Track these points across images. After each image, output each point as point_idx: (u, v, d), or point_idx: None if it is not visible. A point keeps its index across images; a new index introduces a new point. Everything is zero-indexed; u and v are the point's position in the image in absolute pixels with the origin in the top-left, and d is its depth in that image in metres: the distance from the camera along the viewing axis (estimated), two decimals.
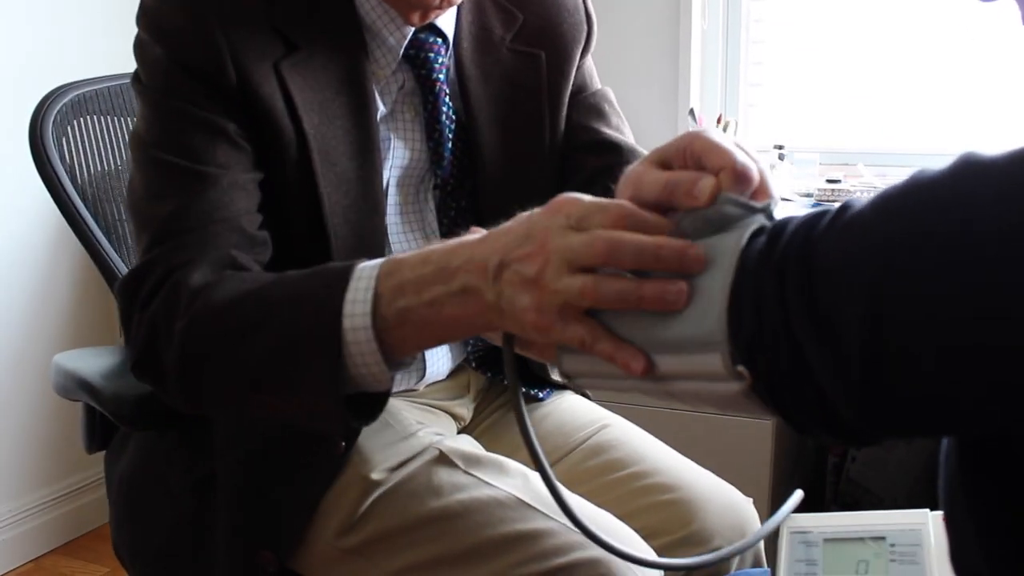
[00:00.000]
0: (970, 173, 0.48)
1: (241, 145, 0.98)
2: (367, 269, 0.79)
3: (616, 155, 1.16)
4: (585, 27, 1.21)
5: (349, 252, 0.99)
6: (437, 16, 1.07)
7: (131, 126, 1.43)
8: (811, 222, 0.55)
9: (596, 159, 1.17)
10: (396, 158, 1.09)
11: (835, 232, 0.53)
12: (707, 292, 0.60)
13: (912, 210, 0.50)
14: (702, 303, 0.60)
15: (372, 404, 0.84)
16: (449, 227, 1.12)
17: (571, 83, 1.18)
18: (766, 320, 0.55)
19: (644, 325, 0.64)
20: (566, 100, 1.17)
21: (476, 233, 0.75)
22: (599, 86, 1.24)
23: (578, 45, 1.19)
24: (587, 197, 0.69)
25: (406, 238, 1.10)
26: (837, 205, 0.55)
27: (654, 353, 0.63)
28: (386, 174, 1.07)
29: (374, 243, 1.04)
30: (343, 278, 0.78)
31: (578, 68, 1.20)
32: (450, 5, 1.04)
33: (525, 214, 0.72)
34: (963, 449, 0.55)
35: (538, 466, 0.70)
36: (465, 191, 1.13)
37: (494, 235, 0.72)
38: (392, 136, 1.09)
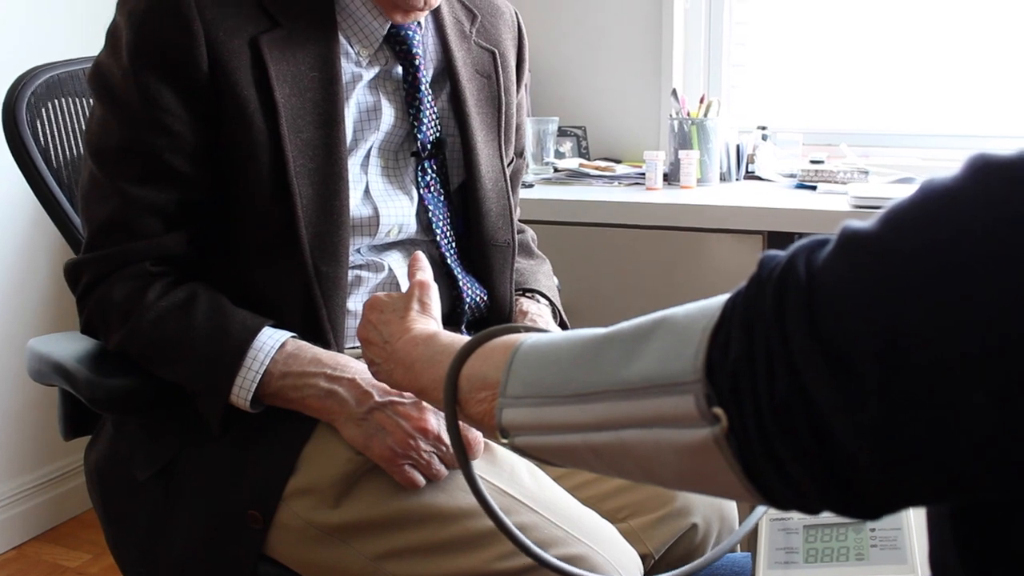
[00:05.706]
0: (991, 172, 0.45)
1: (189, 151, 1.07)
2: (260, 355, 1.04)
3: None
4: (517, 43, 1.35)
5: (313, 213, 1.09)
6: (417, 18, 1.18)
7: None
8: (811, 246, 0.51)
9: None
10: (384, 123, 1.18)
11: (839, 251, 0.49)
12: (685, 329, 0.55)
13: (932, 216, 0.46)
14: (677, 338, 0.55)
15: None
16: (423, 189, 1.22)
17: (515, 89, 1.34)
18: (759, 341, 0.50)
19: (605, 364, 0.60)
20: (513, 101, 1.33)
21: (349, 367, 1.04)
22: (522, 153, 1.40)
23: (514, 58, 1.34)
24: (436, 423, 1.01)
25: (389, 197, 1.18)
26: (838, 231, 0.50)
27: (613, 399, 0.59)
28: (372, 138, 1.16)
29: (336, 205, 1.11)
30: (238, 358, 1.04)
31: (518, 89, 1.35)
32: (430, 8, 1.16)
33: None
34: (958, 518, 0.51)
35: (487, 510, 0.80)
36: (438, 160, 1.23)
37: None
38: (383, 103, 1.18)
